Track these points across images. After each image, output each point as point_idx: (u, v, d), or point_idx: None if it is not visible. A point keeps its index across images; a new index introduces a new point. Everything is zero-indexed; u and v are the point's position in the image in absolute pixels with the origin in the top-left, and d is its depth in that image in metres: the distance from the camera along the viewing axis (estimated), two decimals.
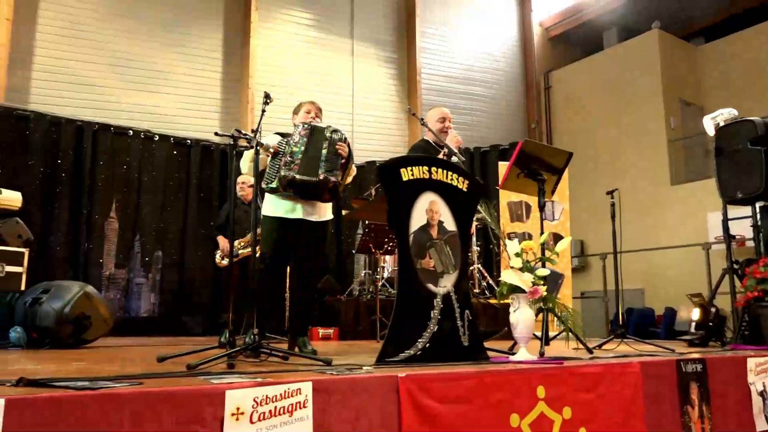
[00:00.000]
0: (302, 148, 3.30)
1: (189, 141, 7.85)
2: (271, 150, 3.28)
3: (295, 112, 3.84)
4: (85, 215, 6.95)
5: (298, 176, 3.22)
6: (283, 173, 3.24)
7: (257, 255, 3.31)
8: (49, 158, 6.92)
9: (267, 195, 3.45)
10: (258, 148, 2.96)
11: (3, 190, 5.20)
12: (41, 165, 6.82)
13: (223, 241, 5.28)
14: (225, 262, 5.31)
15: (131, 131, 7.50)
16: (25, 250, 5.09)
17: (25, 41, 7.73)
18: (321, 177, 3.24)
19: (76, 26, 8.07)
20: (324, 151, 3.32)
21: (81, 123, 7.21)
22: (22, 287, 4.90)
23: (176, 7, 8.84)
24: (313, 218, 3.47)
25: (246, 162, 3.56)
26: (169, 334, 6.89)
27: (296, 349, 3.31)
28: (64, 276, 6.31)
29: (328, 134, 3.39)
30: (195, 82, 8.81)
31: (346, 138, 3.47)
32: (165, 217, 7.52)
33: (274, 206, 3.43)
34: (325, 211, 3.54)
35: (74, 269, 6.74)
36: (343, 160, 3.38)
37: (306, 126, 3.40)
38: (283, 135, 3.51)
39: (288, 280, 3.82)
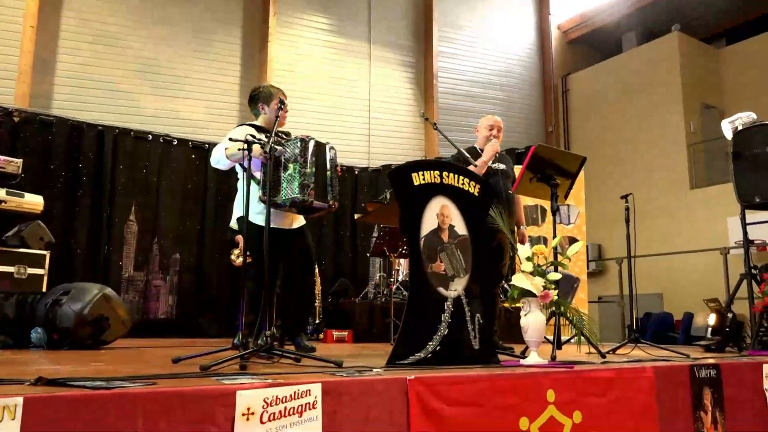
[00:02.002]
0: (314, 170, 3.24)
1: (207, 145, 7.94)
2: (264, 148, 3.03)
3: (265, 99, 3.69)
4: (105, 218, 7.07)
5: (316, 203, 3.24)
6: (301, 197, 3.17)
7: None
8: (71, 162, 7.06)
9: (253, 201, 3.23)
10: (272, 153, 2.98)
11: (25, 194, 5.33)
12: (63, 169, 6.96)
13: (242, 240, 5.39)
14: (240, 260, 5.41)
15: (151, 136, 7.62)
16: (47, 253, 5.21)
17: (49, 48, 7.90)
18: (330, 203, 3.32)
19: (97, 33, 8.23)
20: (329, 174, 3.34)
21: (102, 127, 7.34)
22: (44, 289, 5.02)
23: (195, 13, 8.97)
24: (293, 225, 3.63)
25: (224, 161, 3.48)
26: (186, 335, 6.97)
27: (294, 348, 3.37)
28: (84, 278, 6.43)
29: (331, 154, 3.39)
30: (214, 87, 8.93)
31: (332, 147, 3.50)
32: (183, 221, 7.62)
33: (262, 215, 3.29)
34: (300, 217, 3.69)
35: (94, 271, 6.86)
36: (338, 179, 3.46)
37: (313, 140, 3.32)
38: (256, 128, 3.49)
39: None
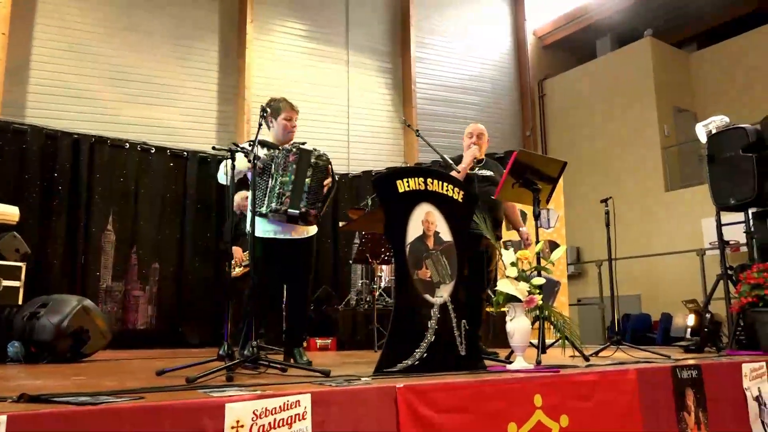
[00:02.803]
0: (292, 177, 3.24)
1: (186, 153, 7.87)
2: (256, 161, 3.12)
3: (273, 113, 3.66)
4: (82, 228, 6.95)
5: (290, 210, 3.22)
6: (275, 206, 3.20)
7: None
8: (46, 171, 6.92)
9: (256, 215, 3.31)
10: (255, 162, 2.97)
11: (0, 204, 5.21)
12: (38, 178, 6.82)
13: (237, 251, 5.37)
14: (238, 270, 5.39)
15: (128, 144, 7.51)
16: (23, 264, 5.09)
17: (22, 55, 7.76)
18: (302, 210, 3.24)
19: (71, 40, 8.12)
20: (308, 181, 3.26)
21: (78, 136, 7.22)
22: (20, 301, 4.90)
23: (172, 20, 8.90)
24: (297, 236, 3.50)
25: (224, 176, 3.46)
26: (167, 346, 6.88)
27: (291, 361, 3.33)
28: (61, 289, 6.30)
29: (313, 160, 3.30)
30: (191, 95, 8.86)
31: (329, 164, 3.40)
32: (162, 229, 7.53)
33: (260, 227, 3.40)
34: (308, 228, 3.56)
35: (71, 282, 6.73)
36: (325, 190, 3.36)
37: (295, 151, 3.30)
38: (267, 145, 3.48)
39: (285, 294, 3.85)
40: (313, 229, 3.60)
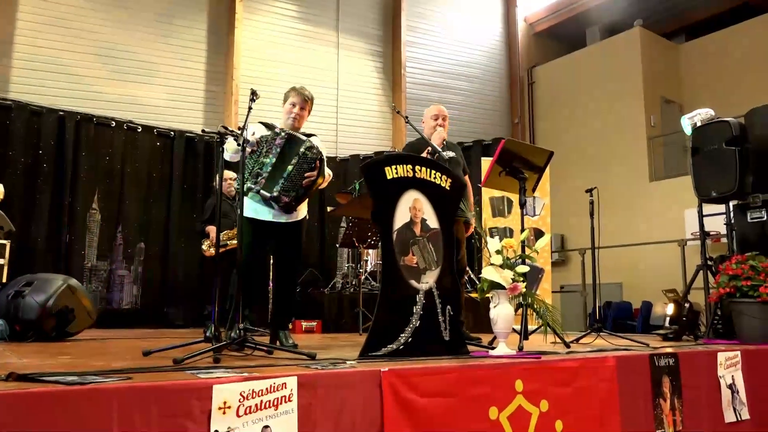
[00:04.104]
0: (273, 160, 3.27)
1: (173, 133, 7.82)
2: (237, 141, 3.06)
3: (285, 99, 3.71)
4: (67, 206, 6.91)
5: (262, 191, 3.25)
6: (249, 184, 3.25)
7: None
8: (30, 149, 6.86)
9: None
10: (245, 145, 2.98)
11: None
12: (22, 155, 6.76)
13: (213, 231, 5.35)
14: (212, 251, 5.38)
15: (114, 122, 7.45)
16: (7, 242, 5.06)
17: (5, 29, 7.63)
18: (275, 193, 3.27)
19: (57, 14, 7.98)
20: (290, 168, 3.28)
21: (63, 113, 7.15)
22: (4, 279, 4.88)
23: None
24: (284, 219, 3.49)
25: (229, 152, 3.51)
26: (152, 325, 6.90)
27: (278, 343, 3.37)
28: (45, 268, 6.28)
29: (302, 150, 3.31)
30: (179, 74, 8.77)
31: (320, 158, 3.38)
32: (148, 209, 7.50)
33: (249, 207, 3.41)
34: (296, 213, 3.54)
35: (56, 260, 6.71)
36: (306, 183, 3.34)
37: (284, 135, 3.33)
38: (267, 126, 3.49)
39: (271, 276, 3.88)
40: (302, 213, 3.59)
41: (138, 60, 8.45)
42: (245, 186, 3.26)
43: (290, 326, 6.36)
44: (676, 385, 3.09)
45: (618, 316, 8.99)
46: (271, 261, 4.09)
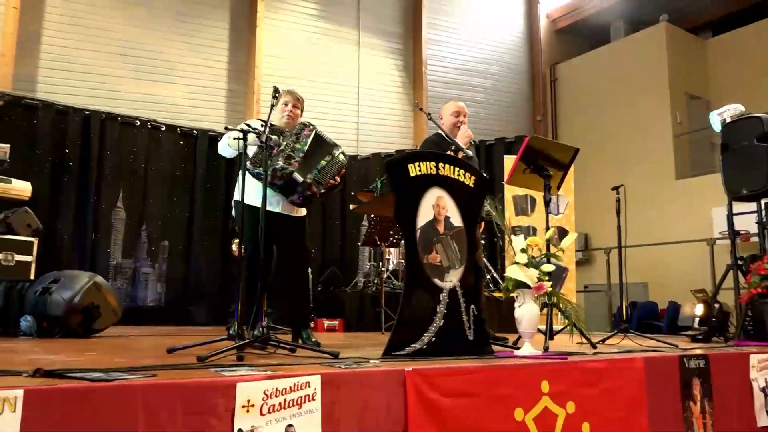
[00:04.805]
0: (305, 148, 3.29)
1: (196, 131, 7.88)
2: (268, 141, 3.04)
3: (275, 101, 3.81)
4: (93, 205, 7.00)
5: (296, 174, 3.23)
6: (280, 164, 3.21)
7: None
8: (57, 148, 6.95)
9: (248, 182, 3.18)
10: (268, 143, 2.96)
11: (13, 180, 5.25)
12: (49, 154, 6.86)
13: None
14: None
15: (138, 121, 7.53)
16: (35, 240, 5.15)
17: (33, 30, 7.74)
18: (307, 180, 3.27)
19: (83, 15, 8.09)
20: (323, 162, 3.33)
21: (88, 112, 7.24)
22: (32, 276, 4.97)
23: None
24: (293, 213, 3.55)
25: (227, 147, 3.52)
26: (175, 323, 6.95)
27: (300, 341, 3.36)
28: (71, 265, 6.37)
29: (336, 153, 3.39)
30: (202, 73, 8.83)
31: (345, 166, 3.50)
32: (171, 207, 7.57)
33: (256, 194, 3.29)
34: (298, 208, 3.62)
35: (81, 258, 6.80)
36: (330, 183, 3.41)
37: (311, 127, 3.37)
38: (264, 122, 3.51)
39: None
40: (303, 211, 3.64)
41: (161, 60, 8.53)
42: (280, 165, 3.23)
43: (312, 324, 6.39)
44: (706, 388, 3.02)
45: (643, 316, 8.85)
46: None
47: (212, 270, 7.52)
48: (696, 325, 4.62)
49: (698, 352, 3.21)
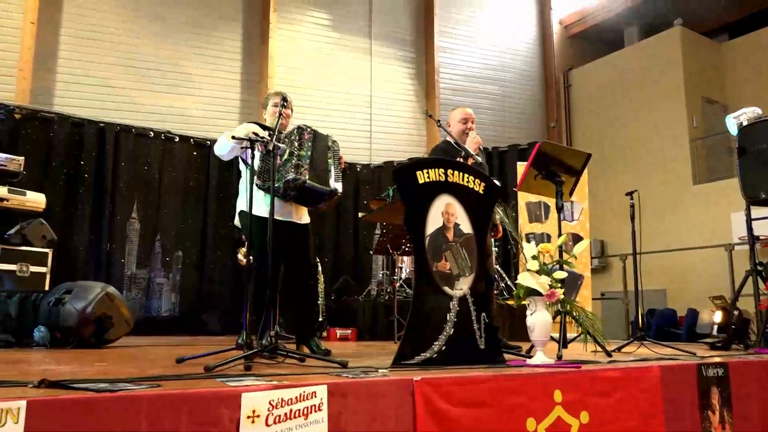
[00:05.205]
0: (309, 153, 3.30)
1: (209, 142, 7.92)
2: (268, 147, 2.98)
3: (265, 105, 3.88)
4: (107, 216, 7.05)
5: (309, 182, 3.23)
6: (292, 176, 3.22)
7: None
8: (72, 159, 7.03)
9: (255, 193, 3.17)
10: (276, 152, 2.95)
11: (27, 192, 5.31)
12: (65, 166, 6.93)
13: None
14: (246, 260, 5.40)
15: (152, 132, 7.59)
16: (49, 251, 5.20)
17: (50, 44, 7.86)
18: (332, 187, 3.30)
19: (98, 29, 8.19)
20: (330, 161, 3.38)
21: (103, 124, 7.32)
22: (47, 287, 5.00)
23: (196, 9, 8.93)
24: (300, 221, 3.60)
25: (228, 146, 3.44)
26: (189, 333, 6.97)
27: (307, 350, 3.34)
28: (86, 276, 6.42)
29: (330, 143, 3.45)
30: (215, 84, 8.90)
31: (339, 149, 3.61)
32: (185, 218, 7.61)
33: (265, 205, 3.31)
34: (305, 214, 3.68)
35: (96, 269, 6.84)
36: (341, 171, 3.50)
37: (309, 130, 3.39)
38: (263, 127, 3.52)
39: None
40: (306, 218, 3.68)
41: (175, 71, 8.61)
42: (292, 176, 3.25)
43: (324, 333, 6.37)
44: (725, 397, 2.94)
45: (662, 323, 8.69)
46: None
47: (225, 279, 7.54)
48: (715, 332, 4.52)
49: (717, 360, 3.13)
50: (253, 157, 2.95)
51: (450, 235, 2.78)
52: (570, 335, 3.94)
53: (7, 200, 5.09)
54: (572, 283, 6.33)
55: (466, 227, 2.84)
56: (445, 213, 2.78)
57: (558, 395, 2.40)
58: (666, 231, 10.11)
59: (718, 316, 4.57)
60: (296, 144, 3.31)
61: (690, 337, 7.74)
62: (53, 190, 6.61)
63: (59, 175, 6.87)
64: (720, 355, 3.72)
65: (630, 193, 4.24)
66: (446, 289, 2.70)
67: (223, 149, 3.46)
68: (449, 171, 2.85)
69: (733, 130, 4.96)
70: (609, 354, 3.32)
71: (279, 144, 3.06)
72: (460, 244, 2.79)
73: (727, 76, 11.52)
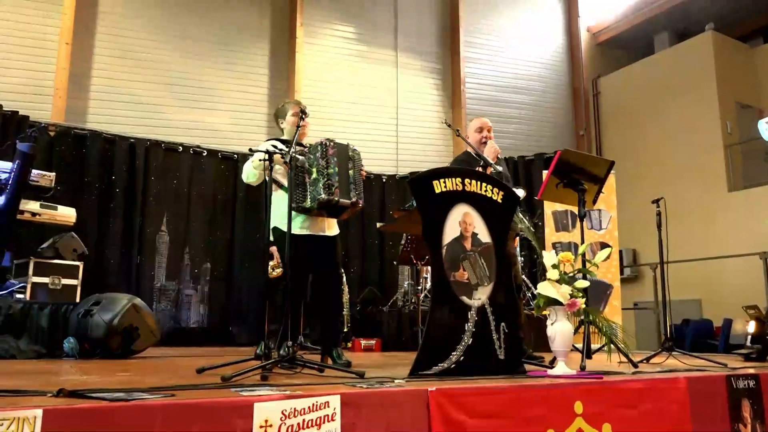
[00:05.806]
0: (336, 169, 3.30)
1: (236, 156, 8.05)
2: (285, 158, 3.06)
3: (282, 114, 3.86)
4: (138, 229, 7.20)
5: (341, 201, 3.26)
6: (324, 196, 3.22)
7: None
8: (104, 175, 7.22)
9: (283, 204, 3.32)
10: (295, 163, 2.98)
11: (58, 206, 5.45)
12: (96, 181, 7.12)
13: (275, 251, 5.43)
14: (276, 273, 5.44)
15: (181, 147, 7.75)
16: (80, 264, 5.32)
17: (84, 64, 8.10)
18: (353, 200, 3.32)
19: (130, 48, 8.41)
20: (351, 172, 3.39)
21: (134, 140, 7.50)
22: (77, 299, 5.12)
23: (223, 26, 9.10)
24: (329, 233, 3.63)
25: (253, 172, 3.62)
26: (217, 344, 7.04)
27: (329, 361, 3.34)
28: (117, 288, 6.55)
29: (350, 153, 3.44)
30: (243, 99, 9.04)
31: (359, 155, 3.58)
32: (213, 231, 7.72)
33: (294, 222, 3.40)
34: (335, 225, 3.72)
35: (127, 281, 6.98)
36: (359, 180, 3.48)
37: (333, 144, 3.38)
38: (282, 141, 3.56)
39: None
40: (336, 230, 3.71)
41: (204, 87, 8.78)
42: (311, 201, 3.28)
43: (349, 344, 6.36)
44: (757, 410, 2.84)
45: (698, 334, 8.45)
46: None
47: (253, 291, 7.61)
48: (748, 343, 4.37)
49: (749, 371, 3.03)
50: (271, 169, 2.98)
51: (468, 245, 2.76)
52: (595, 345, 3.86)
53: (39, 215, 5.23)
54: (600, 293, 6.20)
55: (485, 236, 2.82)
56: (463, 222, 2.76)
57: (579, 407, 2.35)
58: (701, 239, 9.85)
59: (752, 326, 4.42)
60: (322, 162, 3.28)
61: (727, 349, 7.50)
62: (86, 205, 6.80)
63: (91, 189, 7.05)
64: (753, 366, 3.60)
65: (656, 201, 4.15)
66: (464, 299, 2.68)
67: (249, 175, 3.65)
68: (466, 180, 2.83)
69: (766, 135, 4.83)
70: (635, 365, 3.24)
71: (298, 156, 3.10)
72: (478, 254, 2.77)
73: (761, 80, 11.23)
